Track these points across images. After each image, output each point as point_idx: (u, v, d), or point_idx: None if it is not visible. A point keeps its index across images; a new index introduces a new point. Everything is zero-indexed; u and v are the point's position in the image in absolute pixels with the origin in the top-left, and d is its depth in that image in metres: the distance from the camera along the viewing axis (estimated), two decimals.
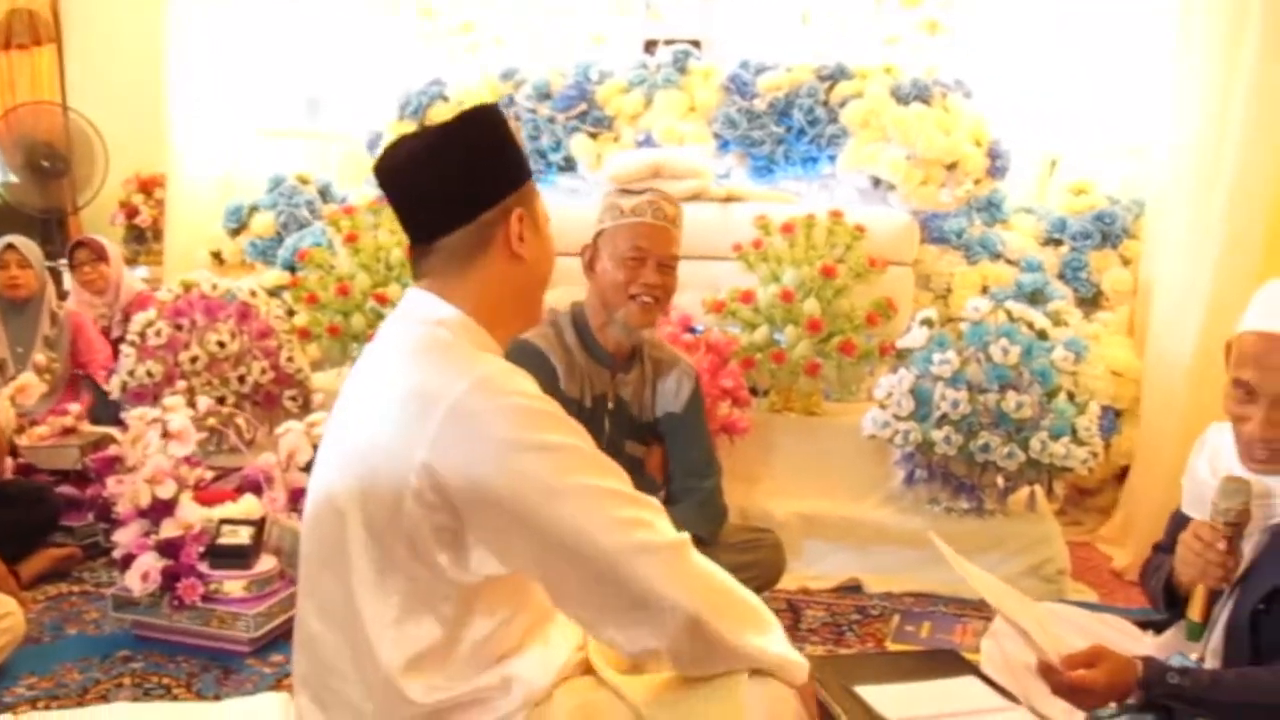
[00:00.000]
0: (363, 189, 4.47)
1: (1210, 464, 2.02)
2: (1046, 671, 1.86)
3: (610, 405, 2.61)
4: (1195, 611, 1.93)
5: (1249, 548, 1.95)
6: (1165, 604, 2.12)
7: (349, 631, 1.44)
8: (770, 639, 1.47)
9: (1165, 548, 2.15)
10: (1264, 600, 1.88)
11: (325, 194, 4.59)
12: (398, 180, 1.53)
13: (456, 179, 1.50)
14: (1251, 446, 1.90)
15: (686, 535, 1.44)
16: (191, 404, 2.96)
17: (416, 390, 1.40)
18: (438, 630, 1.43)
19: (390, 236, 3.66)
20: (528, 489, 1.36)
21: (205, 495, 2.80)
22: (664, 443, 2.72)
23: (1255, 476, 1.91)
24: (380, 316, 3.50)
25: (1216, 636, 1.99)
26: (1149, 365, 3.66)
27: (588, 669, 1.58)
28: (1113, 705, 1.86)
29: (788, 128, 4.00)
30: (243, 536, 2.67)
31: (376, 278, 3.62)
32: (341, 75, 4.86)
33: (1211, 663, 1.98)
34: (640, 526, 1.39)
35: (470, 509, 1.38)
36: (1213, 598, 1.93)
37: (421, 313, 1.52)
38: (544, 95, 4.19)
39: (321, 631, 1.48)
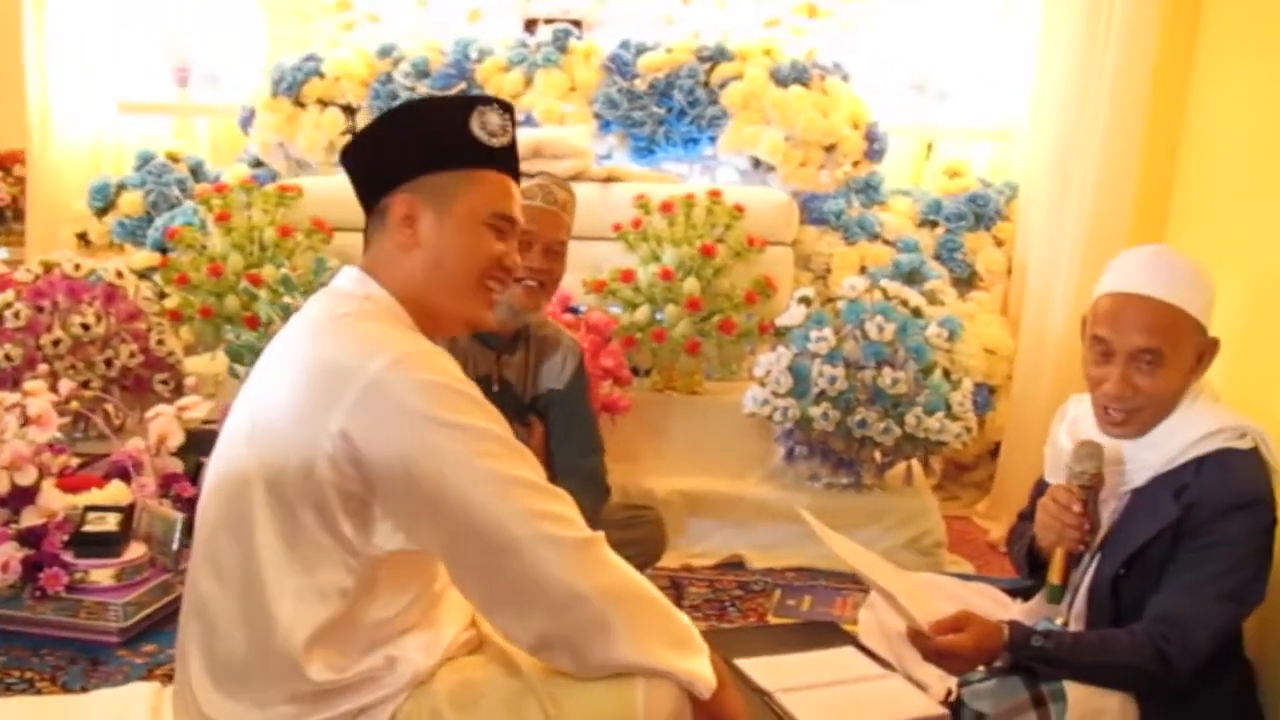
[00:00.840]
0: (235, 167, 4.36)
1: (1070, 432, 2.09)
2: (915, 637, 1.91)
3: (495, 387, 2.58)
4: (1055, 574, 2.00)
5: (1107, 514, 2.03)
6: (1028, 569, 2.19)
7: (247, 598, 1.42)
8: (680, 654, 1.47)
9: (1028, 515, 2.22)
10: (1124, 564, 1.96)
11: (197, 172, 4.44)
12: (347, 155, 1.63)
13: (367, 159, 1.60)
14: (1107, 407, 1.97)
15: (599, 534, 1.44)
16: (54, 388, 2.84)
17: (336, 361, 1.40)
18: (338, 604, 1.42)
19: (264, 216, 3.57)
20: (442, 467, 1.36)
21: (69, 482, 2.70)
22: (545, 421, 2.71)
23: (1110, 442, 1.98)
24: (254, 298, 3.41)
25: (1079, 601, 2.06)
26: (1021, 343, 3.76)
27: (475, 648, 1.58)
28: (981, 669, 1.91)
29: (668, 109, 4.01)
30: (110, 524, 2.58)
31: (250, 259, 3.53)
32: (213, 49, 4.70)
33: (1076, 626, 2.05)
34: (552, 519, 1.39)
35: (383, 482, 1.38)
36: (1071, 561, 2.00)
37: (350, 287, 1.54)
38: (422, 73, 4.13)
39: (216, 594, 1.45)
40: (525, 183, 2.50)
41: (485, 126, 1.55)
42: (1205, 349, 1.95)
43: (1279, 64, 2.55)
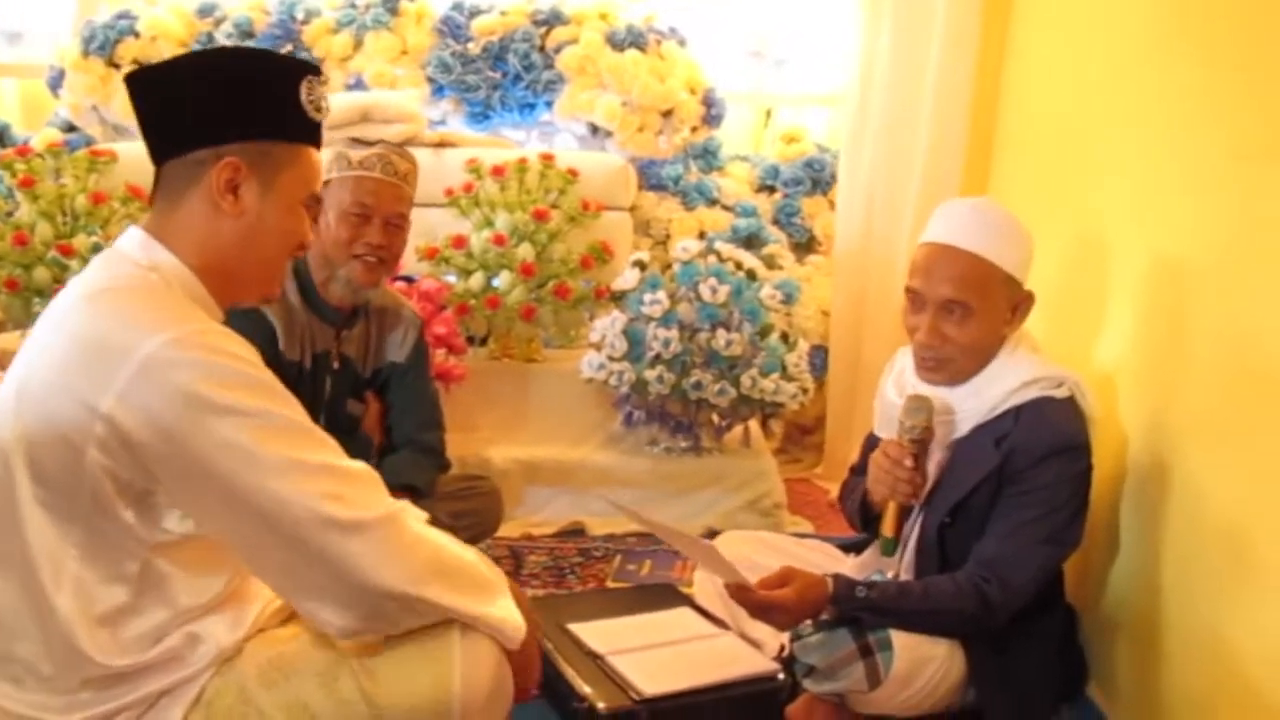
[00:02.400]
0: (46, 131, 4.12)
1: (896, 384, 2.12)
2: (738, 592, 1.91)
3: (335, 365, 2.50)
4: (888, 527, 2.03)
5: (933, 466, 2.06)
6: (861, 524, 2.22)
7: (26, 585, 1.33)
8: (487, 604, 1.44)
9: (860, 470, 2.25)
10: (949, 514, 2.00)
11: (3, 137, 4.18)
12: (141, 82, 1.46)
13: (184, 103, 1.43)
14: (921, 355, 2.01)
15: (399, 505, 1.39)
16: None
17: (108, 337, 1.30)
18: (121, 588, 1.35)
19: (75, 183, 3.38)
20: (225, 455, 1.28)
21: None
22: (383, 396, 2.64)
23: (936, 393, 2.02)
24: (65, 269, 3.23)
25: (909, 553, 2.10)
26: (838, 301, 3.82)
27: (288, 617, 1.51)
28: (809, 623, 1.93)
29: (503, 73, 3.93)
30: None
31: (60, 228, 3.33)
32: (16, 3, 4.42)
33: (906, 578, 2.08)
34: (345, 502, 1.33)
35: (161, 469, 1.29)
36: (903, 513, 2.03)
37: (134, 252, 1.42)
38: (246, 34, 3.96)
39: None
40: (362, 152, 2.43)
41: (313, 99, 1.48)
42: (1019, 301, 1.99)
43: (1092, 17, 2.61)
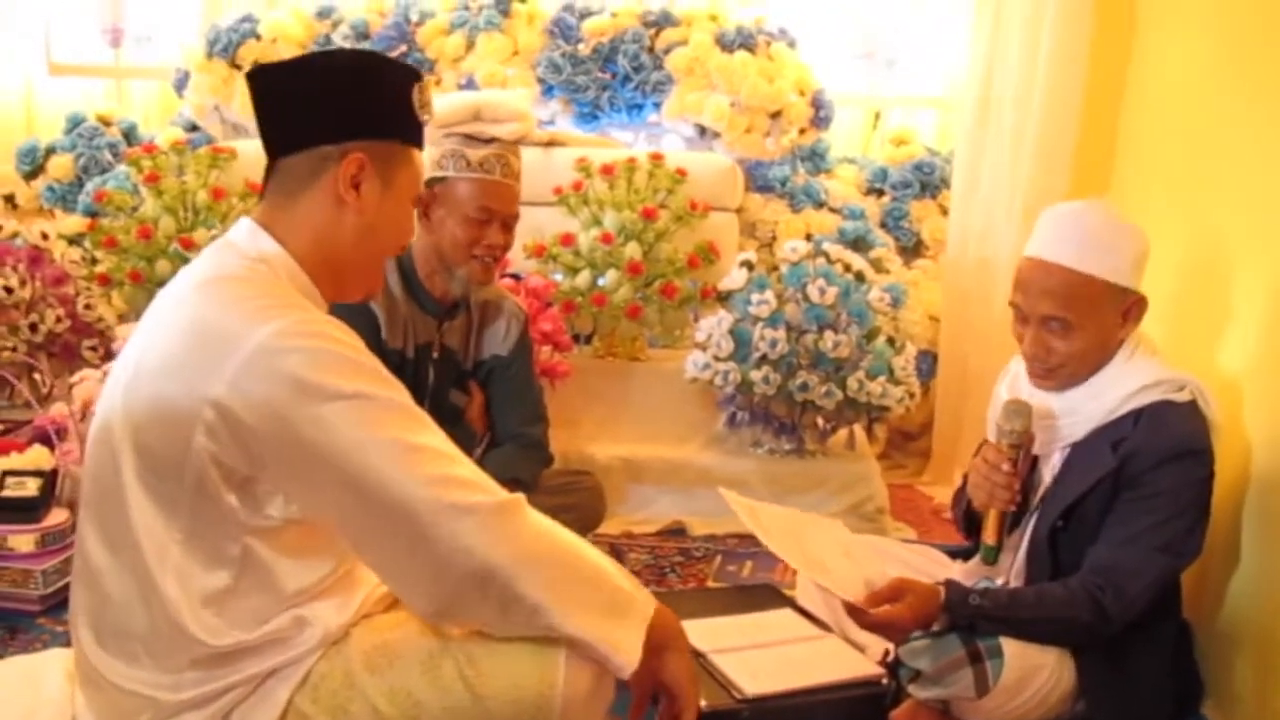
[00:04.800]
0: (169, 130, 4.26)
1: (1010, 391, 2.08)
2: (853, 612, 1.88)
3: (435, 355, 2.52)
4: (989, 535, 1.99)
5: (1048, 469, 2.02)
6: (965, 531, 2.18)
7: (135, 567, 1.35)
8: (606, 623, 1.39)
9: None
10: (1061, 517, 1.95)
11: (130, 136, 4.33)
12: (264, 80, 1.48)
13: (311, 99, 1.45)
14: (1030, 365, 1.97)
15: (517, 497, 1.37)
16: None
17: (219, 325, 1.32)
18: (223, 571, 1.36)
19: (196, 179, 3.48)
20: (334, 439, 1.29)
21: None
22: (486, 389, 2.66)
23: (1040, 398, 1.97)
24: (186, 262, 3.30)
25: (1019, 558, 2.06)
26: (948, 308, 3.77)
27: (393, 603, 1.51)
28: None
29: (613, 74, 3.95)
30: (30, 488, 2.50)
31: (182, 222, 3.43)
32: (146, 9, 4.58)
33: (1015, 584, 2.04)
34: (457, 485, 1.32)
35: (269, 454, 1.31)
36: (1004, 521, 1.99)
37: (244, 243, 1.44)
38: (362, 35, 4.04)
39: (105, 561, 1.38)
40: (480, 151, 2.43)
41: (423, 103, 1.51)
42: (1130, 305, 1.94)
43: (1220, 24, 2.54)
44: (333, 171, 1.44)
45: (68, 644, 2.23)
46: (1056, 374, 1.96)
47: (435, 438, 1.36)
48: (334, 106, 1.45)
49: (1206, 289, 2.36)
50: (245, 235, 1.46)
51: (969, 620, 1.86)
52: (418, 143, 1.53)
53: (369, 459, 1.30)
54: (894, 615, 1.86)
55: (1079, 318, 1.90)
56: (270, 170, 1.49)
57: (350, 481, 1.30)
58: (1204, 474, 1.88)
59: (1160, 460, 1.84)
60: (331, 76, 1.46)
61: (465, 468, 1.36)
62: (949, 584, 1.90)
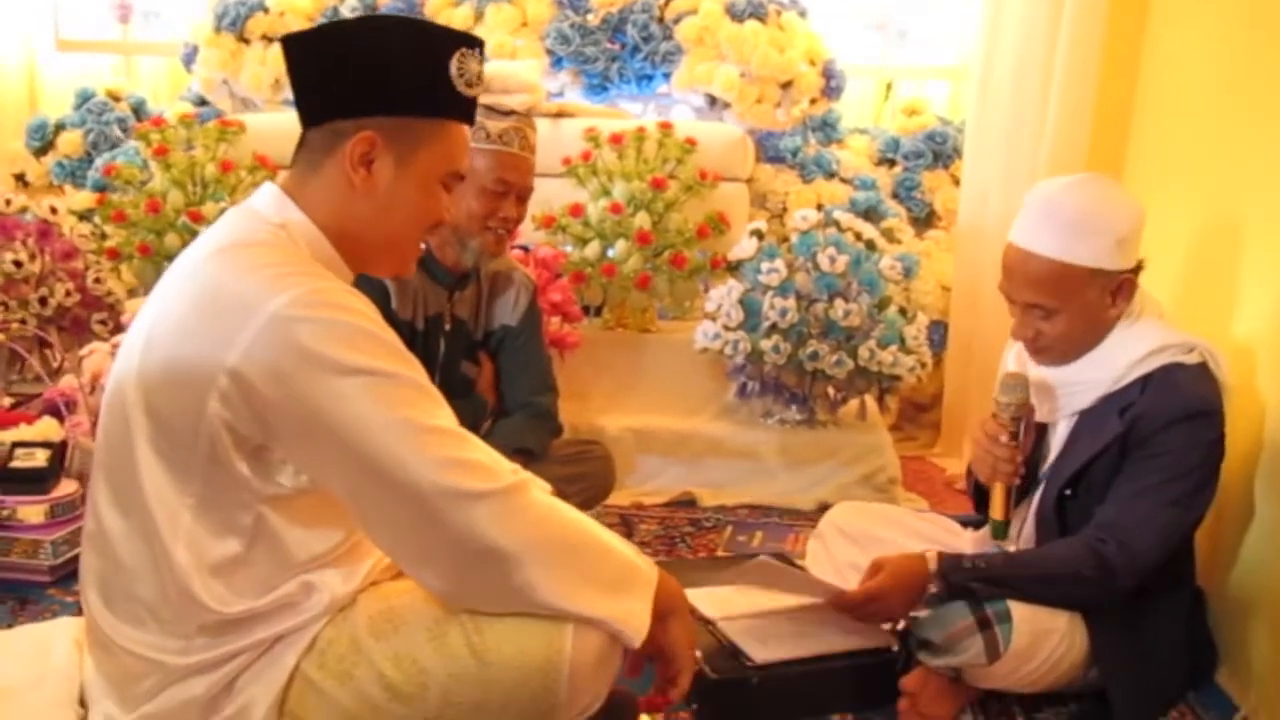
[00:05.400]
0: (178, 105, 4.25)
1: (1018, 362, 2.08)
2: (838, 601, 1.90)
3: (447, 326, 2.51)
4: (996, 510, 1.99)
5: (1055, 440, 2.00)
6: (976, 505, 2.17)
7: (145, 531, 1.35)
8: (611, 598, 1.39)
9: None
10: (1069, 484, 1.93)
11: (139, 111, 4.33)
12: (293, 48, 1.45)
13: (329, 72, 1.42)
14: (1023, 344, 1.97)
15: (523, 479, 1.36)
16: None
17: (236, 292, 1.30)
18: (234, 539, 1.36)
19: (205, 152, 3.47)
20: (346, 413, 1.28)
21: None
22: (496, 359, 2.65)
23: (1054, 371, 1.96)
24: (195, 235, 3.30)
25: (1027, 528, 2.05)
26: (958, 278, 3.73)
27: (400, 573, 1.50)
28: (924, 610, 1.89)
29: (622, 44, 3.93)
30: (39, 459, 2.50)
31: (191, 196, 3.43)
32: None
33: None
34: (468, 470, 1.31)
35: (281, 424, 1.30)
36: (1010, 495, 1.98)
37: (267, 209, 1.43)
38: (369, 9, 4.02)
39: (117, 526, 1.38)
40: (500, 123, 2.40)
41: (464, 74, 1.44)
42: (1118, 284, 1.91)
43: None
44: (344, 148, 1.41)
45: (77, 614, 2.25)
46: (1047, 353, 1.97)
47: (448, 418, 1.35)
48: (349, 80, 1.41)
49: (1220, 255, 2.34)
50: (269, 201, 1.44)
51: (968, 581, 1.85)
52: (457, 115, 1.47)
53: (381, 436, 1.28)
54: (875, 586, 1.88)
55: (1061, 303, 1.89)
56: (301, 139, 1.46)
57: (360, 457, 1.29)
58: (1214, 435, 1.86)
59: (1169, 421, 1.83)
60: (351, 47, 1.42)
61: (476, 451, 1.35)
62: (940, 553, 1.90)
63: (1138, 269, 1.92)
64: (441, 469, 1.29)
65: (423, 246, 2.45)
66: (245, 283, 1.31)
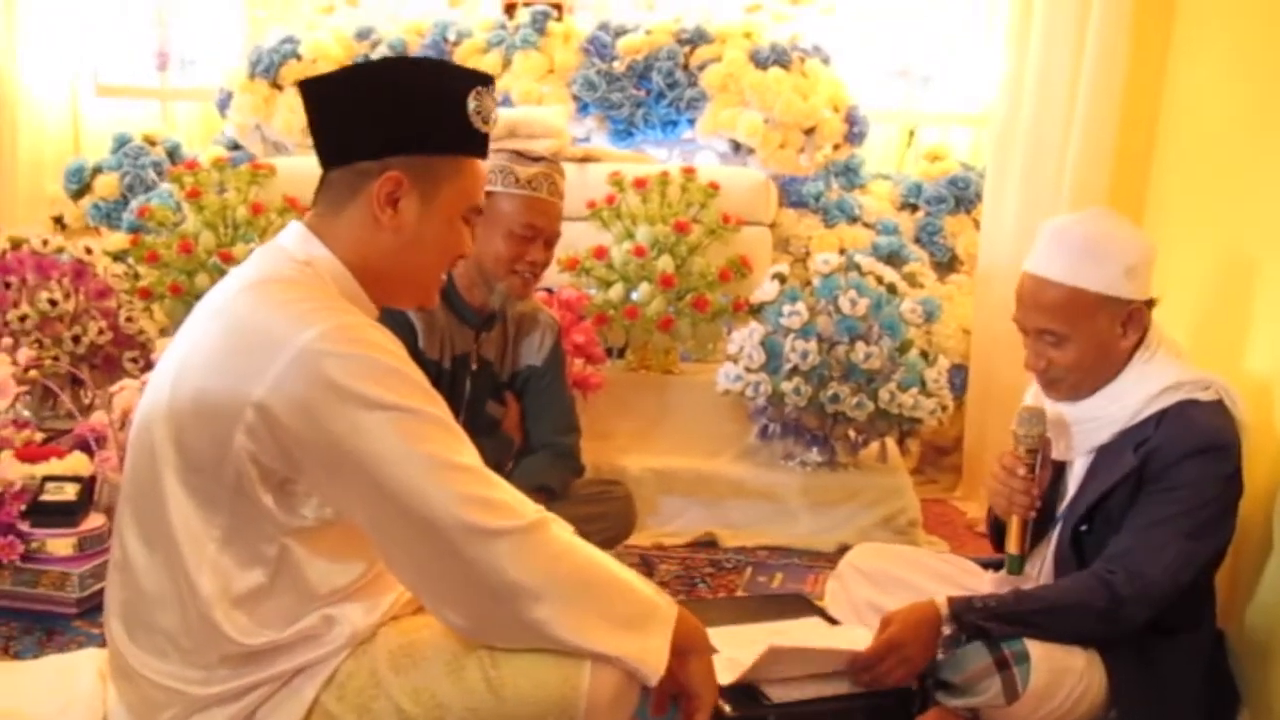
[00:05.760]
0: (212, 149, 4.33)
1: (1034, 401, 2.08)
2: (859, 664, 1.89)
3: (473, 366, 2.54)
4: (1012, 544, 1.98)
5: (1073, 478, 2.01)
6: (995, 543, 2.17)
7: (170, 563, 1.37)
8: (629, 636, 1.39)
9: None
10: (1085, 519, 1.94)
11: (174, 155, 4.41)
12: (312, 91, 1.48)
13: (350, 114, 1.44)
14: (1036, 377, 1.98)
15: (543, 517, 1.38)
16: (15, 361, 2.82)
17: (264, 327, 1.33)
18: (258, 571, 1.38)
19: (236, 195, 3.54)
20: (371, 448, 1.30)
21: (27, 452, 2.66)
22: (521, 399, 2.68)
23: (1070, 407, 1.97)
24: (225, 275, 3.38)
25: (1046, 565, 2.04)
26: (978, 322, 3.75)
27: (421, 607, 1.52)
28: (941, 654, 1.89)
29: (647, 91, 4.00)
30: (68, 493, 2.55)
31: (222, 237, 3.49)
32: (192, 33, 4.69)
33: None
34: (487, 506, 1.33)
35: (307, 458, 1.32)
36: (1026, 529, 1.98)
37: (293, 246, 1.45)
38: (399, 55, 4.10)
39: (142, 557, 1.40)
40: (530, 169, 2.43)
41: (480, 110, 1.46)
42: (1129, 315, 1.92)
43: (1255, 38, 2.52)
44: (370, 189, 1.43)
45: (103, 645, 2.27)
46: (1058, 385, 1.97)
47: (472, 457, 1.36)
48: (372, 122, 1.43)
49: (1237, 295, 2.34)
50: (295, 239, 1.46)
51: (980, 620, 1.85)
52: (473, 152, 1.49)
53: (404, 471, 1.30)
54: (888, 638, 1.87)
55: (1071, 330, 1.90)
56: (322, 180, 1.49)
57: (384, 491, 1.31)
58: (1229, 470, 1.85)
59: (1184, 455, 1.83)
60: (373, 89, 1.44)
61: (499, 489, 1.36)
62: (951, 597, 1.90)
63: (1150, 303, 1.93)
64: (463, 505, 1.31)
65: (446, 282, 2.49)
66: (273, 318, 1.33)
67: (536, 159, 2.48)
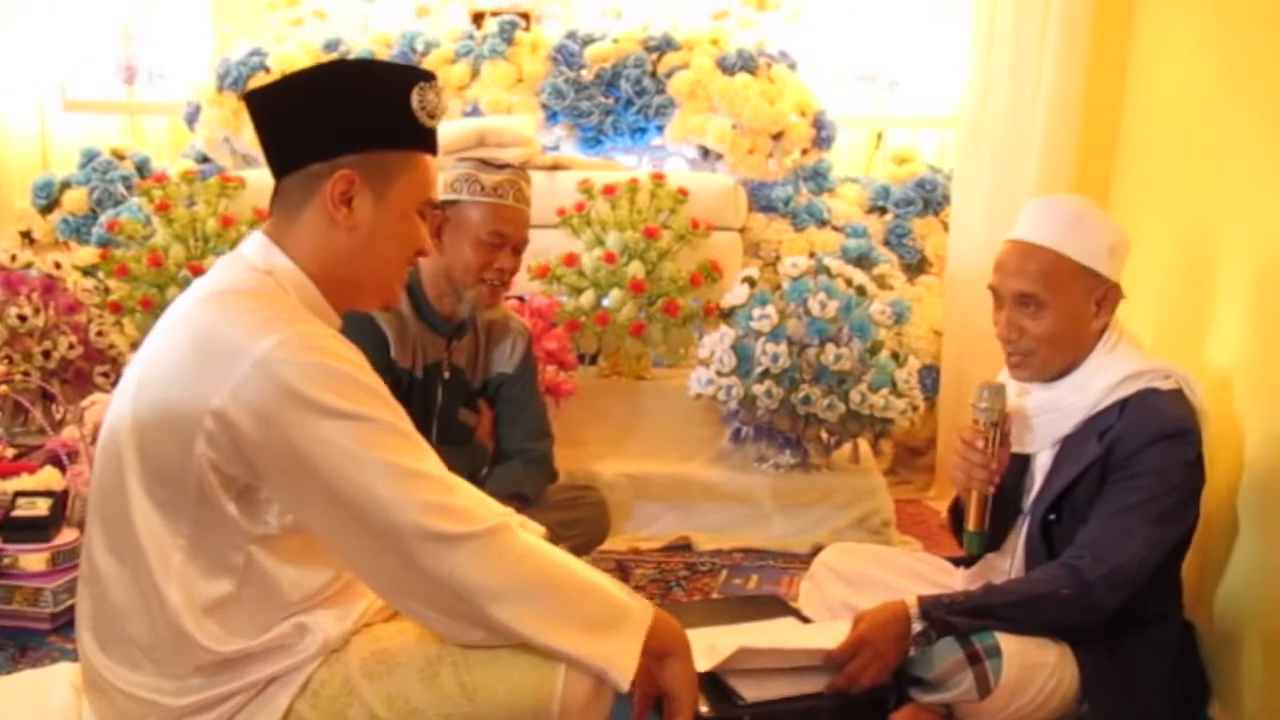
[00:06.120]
0: (181, 162, 4.32)
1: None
2: (830, 662, 1.92)
3: (446, 374, 2.55)
4: (971, 521, 2.00)
5: (1039, 469, 2.03)
6: (953, 527, 2.20)
7: (137, 573, 1.37)
8: (597, 638, 1.39)
9: None
10: (1053, 510, 1.96)
11: (143, 169, 4.41)
12: (256, 101, 1.49)
13: (297, 118, 1.45)
14: (1006, 351, 2.01)
15: (504, 519, 1.38)
16: None
17: (223, 336, 1.33)
18: (225, 580, 1.38)
19: (206, 208, 3.54)
20: (329, 456, 1.30)
21: None
22: (494, 406, 2.69)
23: (1032, 398, 1.99)
24: None
25: (1017, 559, 2.06)
26: (950, 322, 3.78)
27: (393, 614, 1.52)
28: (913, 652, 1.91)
29: (615, 98, 4.02)
30: (40, 508, 2.53)
31: (192, 250, 3.49)
32: (159, 47, 4.68)
33: None
34: (449, 514, 1.33)
35: (266, 465, 1.32)
36: (985, 505, 1.99)
37: (253, 256, 1.45)
38: None
39: (110, 568, 1.40)
40: (494, 176, 2.43)
41: (425, 106, 1.48)
42: (1104, 293, 1.95)
43: (1215, 36, 2.56)
44: (323, 189, 1.44)
45: (77, 660, 2.27)
46: (1029, 360, 1.98)
47: (432, 464, 1.37)
48: (319, 124, 1.44)
49: (1198, 288, 2.38)
50: (256, 248, 1.47)
51: (950, 615, 1.87)
52: (422, 147, 1.50)
53: (362, 479, 1.31)
54: (857, 636, 1.89)
55: (1050, 295, 1.92)
56: (275, 190, 1.50)
57: (342, 499, 1.32)
58: (1191, 456, 1.88)
59: (1146, 442, 1.86)
60: (316, 92, 1.45)
61: (459, 495, 1.37)
62: (921, 596, 1.91)
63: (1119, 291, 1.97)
64: (422, 512, 1.32)
65: (416, 291, 2.50)
66: (232, 327, 1.34)
67: (501, 166, 2.48)
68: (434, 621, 1.39)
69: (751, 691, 1.95)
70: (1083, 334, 1.96)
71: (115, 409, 1.43)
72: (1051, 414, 1.98)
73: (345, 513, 1.33)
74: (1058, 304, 1.93)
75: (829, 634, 2.04)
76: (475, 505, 1.38)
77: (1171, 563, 1.97)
